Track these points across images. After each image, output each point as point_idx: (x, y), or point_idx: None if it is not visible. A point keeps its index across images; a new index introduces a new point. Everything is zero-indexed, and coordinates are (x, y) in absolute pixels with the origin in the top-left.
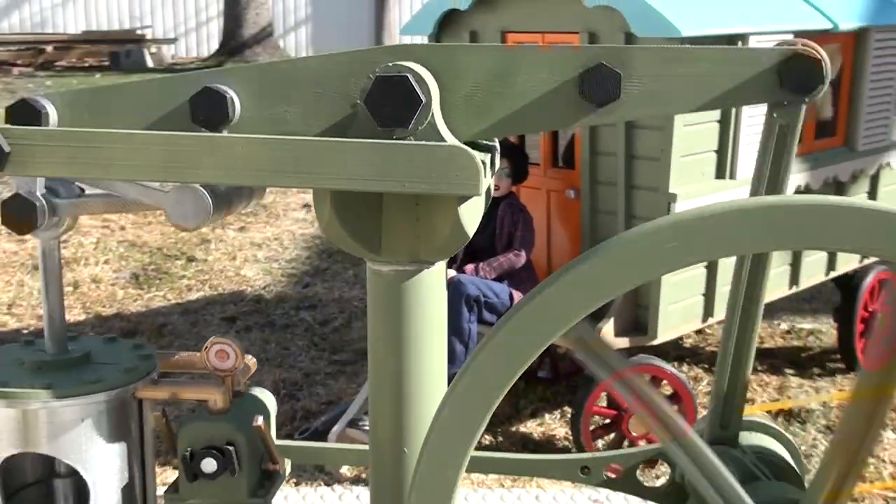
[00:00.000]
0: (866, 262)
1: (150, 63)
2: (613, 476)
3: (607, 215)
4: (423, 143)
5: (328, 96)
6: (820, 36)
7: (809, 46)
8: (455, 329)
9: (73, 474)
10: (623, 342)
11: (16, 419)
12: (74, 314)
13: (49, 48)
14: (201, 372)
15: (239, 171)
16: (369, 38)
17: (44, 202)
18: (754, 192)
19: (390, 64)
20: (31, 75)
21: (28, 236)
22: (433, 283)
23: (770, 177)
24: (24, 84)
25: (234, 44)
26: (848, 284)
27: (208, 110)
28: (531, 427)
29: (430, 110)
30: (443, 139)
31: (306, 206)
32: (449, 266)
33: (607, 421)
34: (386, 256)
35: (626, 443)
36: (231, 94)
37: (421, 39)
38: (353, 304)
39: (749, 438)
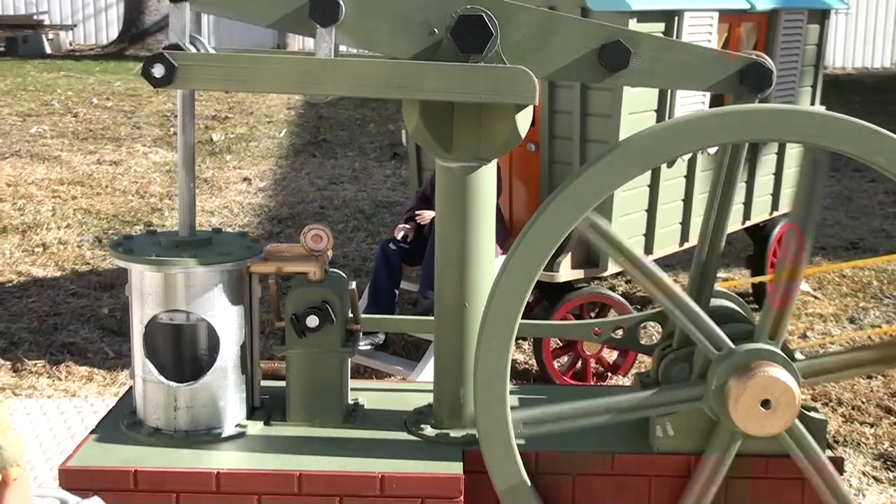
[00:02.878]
0: (776, 213)
1: (48, 49)
2: (619, 336)
3: (563, 165)
4: (495, 65)
5: (413, 22)
6: (740, 15)
7: (764, 58)
8: None
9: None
10: (579, 273)
11: (162, 283)
12: (51, 271)
13: None
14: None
15: (357, 87)
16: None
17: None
18: None
19: (467, 6)
20: None
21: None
22: (488, 176)
23: None
24: None
25: (135, 31)
26: (759, 234)
27: (323, 10)
28: None
29: (497, 42)
30: (505, 63)
31: (245, 179)
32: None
33: (563, 344)
34: (455, 155)
35: (580, 361)
36: (342, 2)
37: None
38: None
39: (719, 301)
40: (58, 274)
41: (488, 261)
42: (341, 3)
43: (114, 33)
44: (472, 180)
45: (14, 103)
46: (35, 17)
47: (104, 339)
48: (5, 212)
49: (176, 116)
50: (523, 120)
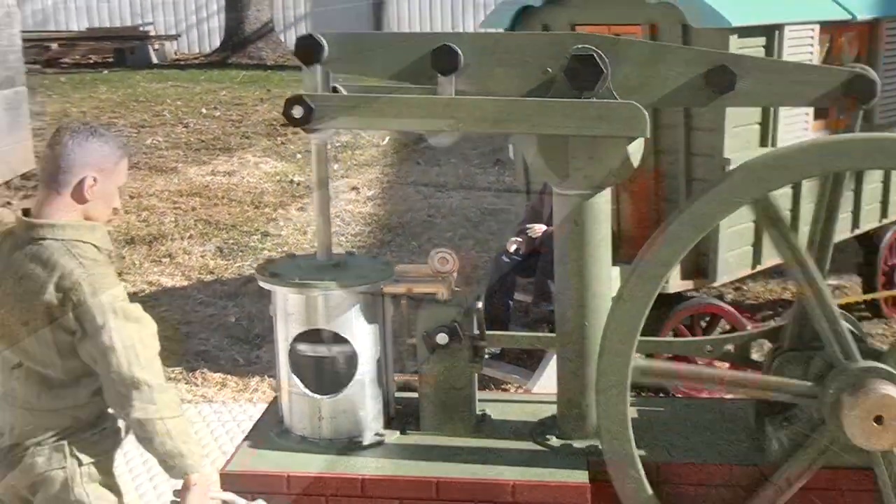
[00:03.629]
0: (885, 221)
1: (154, 59)
2: (732, 351)
3: (670, 179)
4: (608, 101)
5: (527, 63)
6: (840, 26)
7: (867, 70)
8: (551, 273)
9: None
10: (688, 284)
11: (304, 304)
12: (178, 280)
13: (54, 45)
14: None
15: (478, 123)
16: None
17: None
18: None
19: (579, 46)
20: (41, 72)
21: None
22: (603, 202)
23: None
24: (40, 80)
25: (236, 40)
26: (869, 242)
27: (443, 62)
28: None
29: (608, 79)
30: (616, 98)
31: (354, 188)
32: (547, 223)
33: None
34: (570, 183)
35: None
36: (460, 51)
37: None
38: None
39: None
40: (185, 283)
41: (606, 280)
42: (460, 53)
43: (216, 42)
44: (588, 206)
45: (127, 115)
46: (141, 28)
47: (233, 347)
48: (132, 223)
49: (283, 125)
50: (635, 150)
